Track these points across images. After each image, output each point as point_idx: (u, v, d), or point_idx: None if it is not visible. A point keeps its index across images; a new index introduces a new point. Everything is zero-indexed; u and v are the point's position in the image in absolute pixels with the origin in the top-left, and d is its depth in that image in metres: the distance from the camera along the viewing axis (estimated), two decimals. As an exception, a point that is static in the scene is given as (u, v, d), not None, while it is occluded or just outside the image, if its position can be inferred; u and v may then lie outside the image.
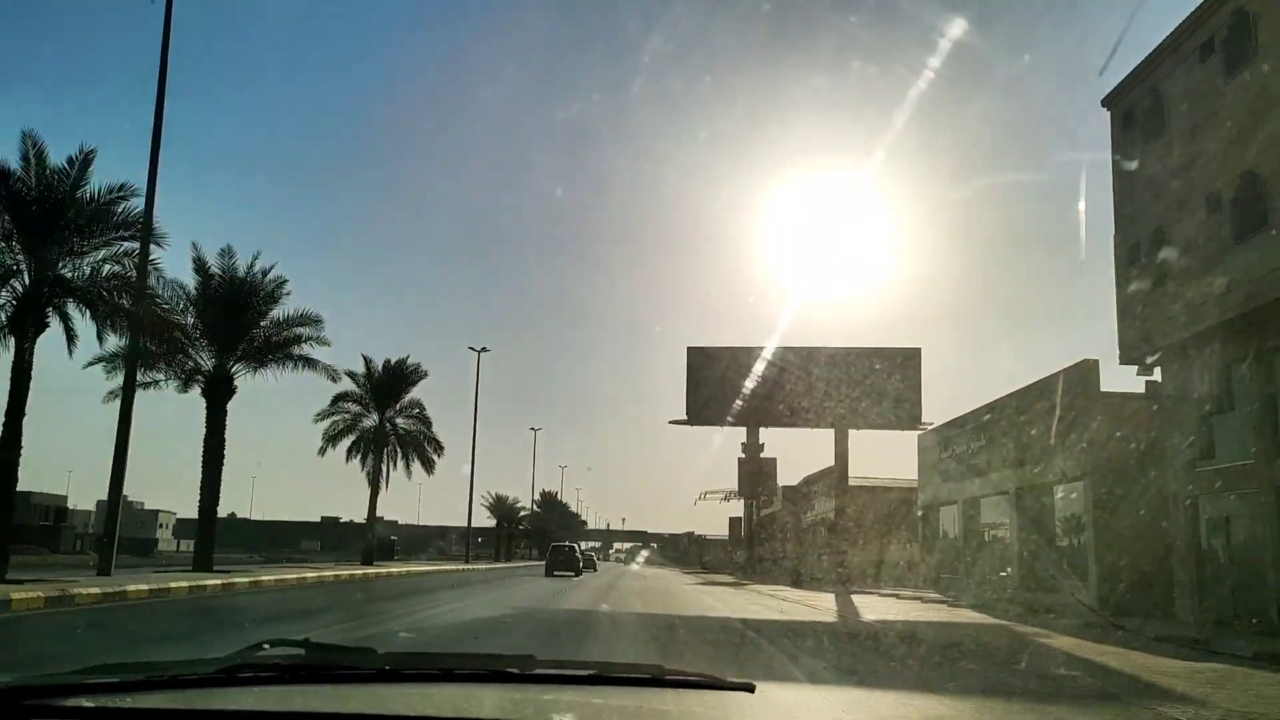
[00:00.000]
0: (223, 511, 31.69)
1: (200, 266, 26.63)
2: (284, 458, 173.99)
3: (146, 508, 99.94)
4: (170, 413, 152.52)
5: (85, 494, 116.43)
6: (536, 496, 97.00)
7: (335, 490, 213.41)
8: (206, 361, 26.82)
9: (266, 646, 2.35)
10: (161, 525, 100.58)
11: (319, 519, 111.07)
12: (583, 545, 72.48)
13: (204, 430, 26.65)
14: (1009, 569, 25.26)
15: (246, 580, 21.25)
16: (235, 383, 27.06)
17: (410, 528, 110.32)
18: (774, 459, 50.67)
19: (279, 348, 27.86)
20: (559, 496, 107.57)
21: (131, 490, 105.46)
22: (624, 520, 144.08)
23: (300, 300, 37.37)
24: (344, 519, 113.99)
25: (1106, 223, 20.48)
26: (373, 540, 42.05)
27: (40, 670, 3.52)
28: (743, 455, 52.78)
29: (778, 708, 2.38)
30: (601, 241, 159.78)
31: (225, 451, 26.65)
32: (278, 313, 27.61)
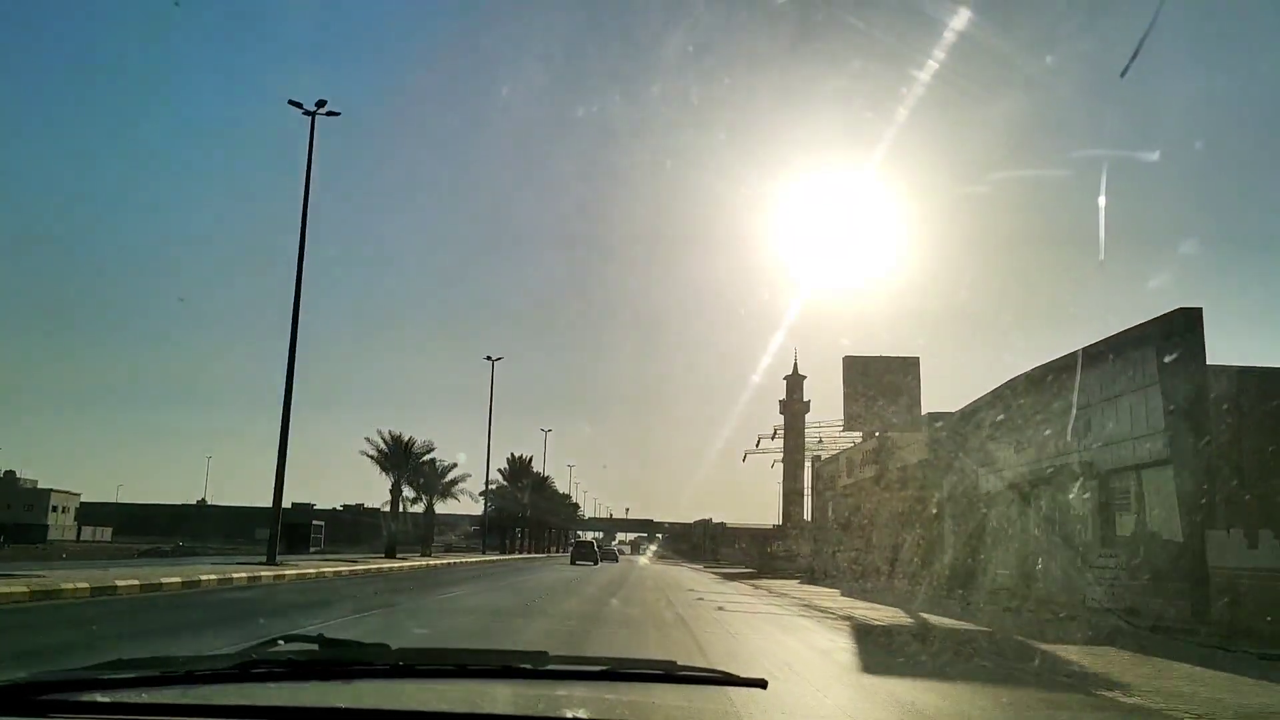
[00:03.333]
0: (191, 499, 31.68)
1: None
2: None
3: (40, 486, 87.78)
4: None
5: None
6: (501, 465, 71.62)
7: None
8: None
9: (281, 642, 2.33)
10: (58, 509, 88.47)
11: (289, 506, 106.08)
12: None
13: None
14: None
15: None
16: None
17: (417, 517, 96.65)
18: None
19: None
20: (537, 467, 79.20)
21: (15, 463, 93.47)
22: (627, 510, 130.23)
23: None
24: (318, 506, 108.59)
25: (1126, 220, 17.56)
26: None
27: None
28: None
29: (789, 704, 2.44)
30: (618, 237, 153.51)
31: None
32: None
